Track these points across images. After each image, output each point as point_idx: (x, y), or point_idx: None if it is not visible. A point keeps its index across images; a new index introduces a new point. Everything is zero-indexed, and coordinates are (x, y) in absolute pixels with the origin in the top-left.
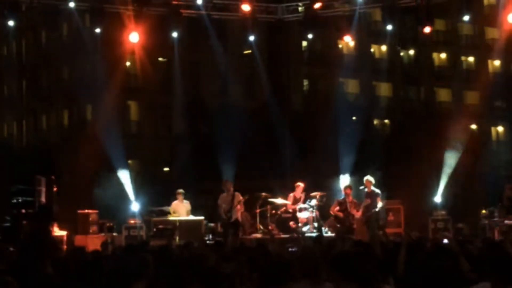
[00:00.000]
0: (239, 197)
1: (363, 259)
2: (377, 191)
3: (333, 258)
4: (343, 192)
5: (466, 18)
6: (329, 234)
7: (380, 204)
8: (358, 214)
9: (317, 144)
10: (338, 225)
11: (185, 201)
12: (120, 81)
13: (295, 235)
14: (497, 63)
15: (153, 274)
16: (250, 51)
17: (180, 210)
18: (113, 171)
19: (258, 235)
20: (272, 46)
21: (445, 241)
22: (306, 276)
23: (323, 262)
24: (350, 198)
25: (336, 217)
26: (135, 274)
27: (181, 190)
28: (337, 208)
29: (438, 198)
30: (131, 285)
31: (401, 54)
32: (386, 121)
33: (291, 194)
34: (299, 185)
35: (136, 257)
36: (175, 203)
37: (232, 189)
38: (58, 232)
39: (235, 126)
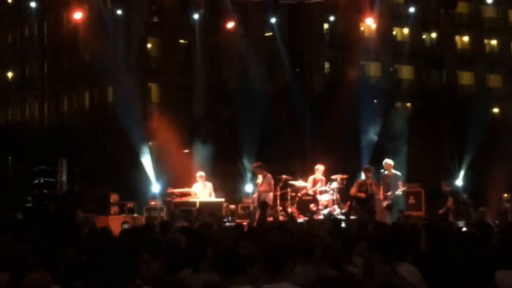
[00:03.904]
0: (266, 178)
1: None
2: (398, 173)
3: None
4: (363, 174)
5: (489, 0)
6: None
7: (402, 188)
8: (380, 196)
9: (338, 127)
10: (359, 207)
11: (207, 183)
12: (141, 63)
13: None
14: None
15: (175, 254)
16: (271, 33)
17: (202, 192)
18: (133, 153)
19: (280, 217)
20: (293, 28)
21: (464, 228)
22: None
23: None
24: (370, 180)
25: (357, 198)
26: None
27: (202, 173)
28: (357, 189)
29: (459, 182)
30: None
31: (424, 37)
32: (408, 104)
33: (311, 177)
34: (319, 168)
35: (159, 237)
36: (197, 185)
37: (264, 171)
38: (80, 213)
39: (256, 108)
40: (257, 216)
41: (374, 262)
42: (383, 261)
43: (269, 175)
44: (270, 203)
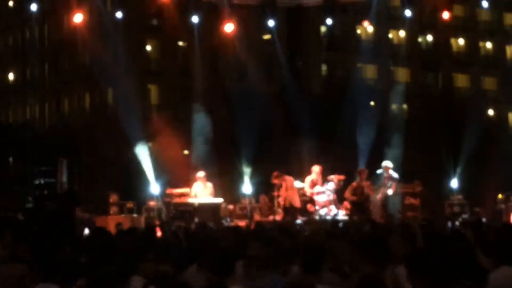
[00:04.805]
0: (288, 181)
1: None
2: (395, 175)
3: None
4: (357, 176)
5: (484, 3)
6: (345, 218)
7: (394, 189)
8: (378, 197)
9: (335, 128)
10: (355, 209)
11: (208, 183)
12: (140, 65)
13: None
14: None
15: (176, 253)
16: (269, 36)
17: (203, 192)
18: (133, 153)
19: (277, 218)
20: (291, 31)
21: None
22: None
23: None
24: (365, 180)
25: (351, 201)
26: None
27: (202, 173)
28: (351, 192)
29: (455, 183)
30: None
31: (420, 39)
32: (404, 106)
33: (309, 178)
34: (316, 169)
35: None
36: (197, 185)
37: (283, 176)
38: (79, 213)
39: (254, 110)
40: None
41: (359, 263)
42: (369, 263)
43: (288, 178)
44: (297, 204)
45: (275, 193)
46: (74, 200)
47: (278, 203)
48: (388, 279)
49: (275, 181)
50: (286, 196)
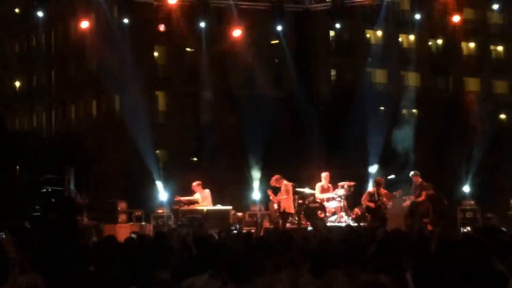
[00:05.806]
0: (284, 185)
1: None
2: (417, 182)
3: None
4: (374, 184)
5: (495, 6)
6: (355, 224)
7: (423, 197)
8: (405, 204)
9: (344, 134)
10: (369, 216)
11: (205, 190)
12: (147, 72)
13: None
14: None
15: (179, 262)
16: (277, 41)
17: (201, 200)
18: (141, 160)
19: (287, 225)
20: (299, 36)
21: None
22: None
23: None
24: (382, 189)
25: (367, 207)
26: (161, 261)
27: (196, 182)
28: (368, 198)
29: (466, 188)
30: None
31: (430, 43)
32: (414, 111)
33: (319, 184)
34: (325, 175)
35: (163, 245)
36: (196, 196)
37: (282, 180)
38: (87, 221)
39: (262, 116)
40: (280, 224)
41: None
42: (382, 269)
43: (286, 183)
44: (289, 210)
45: (275, 199)
46: (72, 208)
47: (275, 208)
48: (391, 284)
49: (274, 183)
50: (281, 201)
